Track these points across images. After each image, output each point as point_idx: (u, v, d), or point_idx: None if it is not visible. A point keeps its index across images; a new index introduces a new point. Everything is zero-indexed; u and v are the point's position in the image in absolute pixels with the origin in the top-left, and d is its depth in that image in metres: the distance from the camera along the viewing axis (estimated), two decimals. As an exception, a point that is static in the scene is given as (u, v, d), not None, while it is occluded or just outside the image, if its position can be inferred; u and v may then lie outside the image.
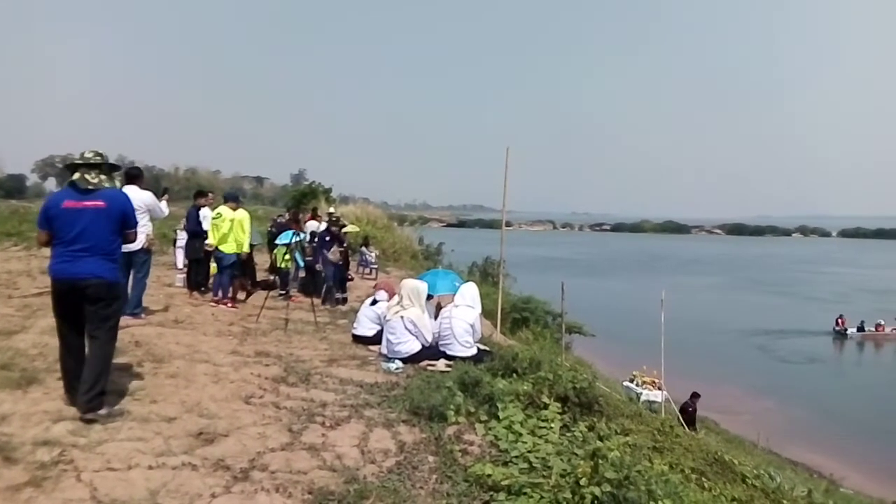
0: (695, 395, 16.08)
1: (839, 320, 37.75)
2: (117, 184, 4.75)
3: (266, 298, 9.00)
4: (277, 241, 12.22)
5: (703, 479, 5.53)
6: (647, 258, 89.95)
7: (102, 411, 4.06)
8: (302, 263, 11.45)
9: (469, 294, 7.34)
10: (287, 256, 10.97)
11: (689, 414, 15.45)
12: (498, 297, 13.54)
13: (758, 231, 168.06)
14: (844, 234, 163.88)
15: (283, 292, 10.68)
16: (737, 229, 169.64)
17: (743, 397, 22.21)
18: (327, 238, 11.17)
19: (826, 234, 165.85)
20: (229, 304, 9.15)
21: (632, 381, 17.90)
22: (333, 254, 10.90)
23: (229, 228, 9.15)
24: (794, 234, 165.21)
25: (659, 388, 16.51)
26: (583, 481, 3.12)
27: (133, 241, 4.78)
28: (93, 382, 4.03)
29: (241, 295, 10.14)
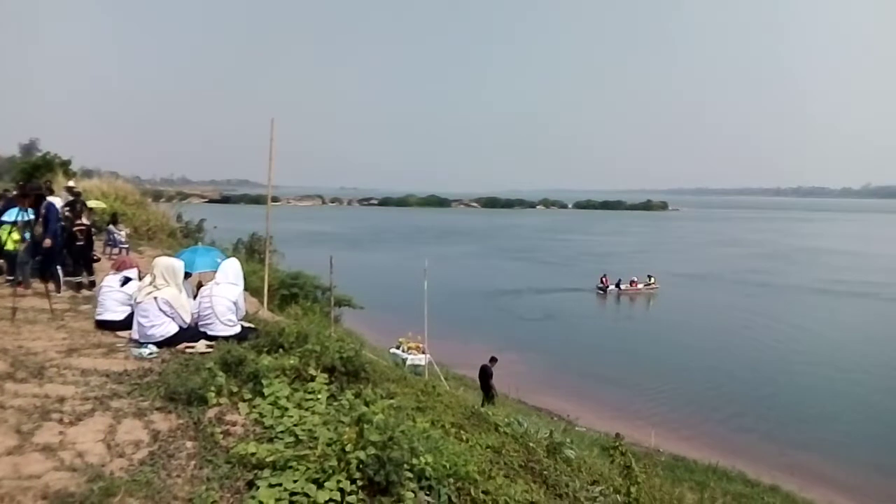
0: (493, 360, 16.99)
1: (603, 279, 43.87)
2: None
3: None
4: (3, 219, 10.46)
5: (462, 431, 5.96)
6: (412, 230, 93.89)
7: None
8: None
9: (231, 271, 7.00)
10: (15, 237, 9.43)
11: (490, 377, 16.40)
12: (264, 273, 13.13)
13: (508, 204, 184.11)
14: (578, 205, 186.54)
15: (11, 278, 9.18)
16: (490, 202, 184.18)
17: (491, 352, 24.29)
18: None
19: (564, 206, 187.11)
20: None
21: (398, 347, 18.66)
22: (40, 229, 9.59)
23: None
24: (538, 206, 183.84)
25: (423, 352, 17.42)
26: (348, 447, 3.18)
27: None
28: None
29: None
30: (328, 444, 3.37)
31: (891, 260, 63.60)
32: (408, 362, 17.11)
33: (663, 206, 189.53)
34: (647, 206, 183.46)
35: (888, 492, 15.00)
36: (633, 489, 5.31)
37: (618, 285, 43.43)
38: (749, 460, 15.82)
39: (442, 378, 15.25)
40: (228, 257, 8.18)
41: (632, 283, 43.87)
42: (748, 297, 42.73)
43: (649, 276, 44.75)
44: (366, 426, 3.31)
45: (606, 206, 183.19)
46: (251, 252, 27.03)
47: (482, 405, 14.48)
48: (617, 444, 5.83)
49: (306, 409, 4.17)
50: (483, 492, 3.86)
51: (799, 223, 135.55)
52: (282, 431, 3.78)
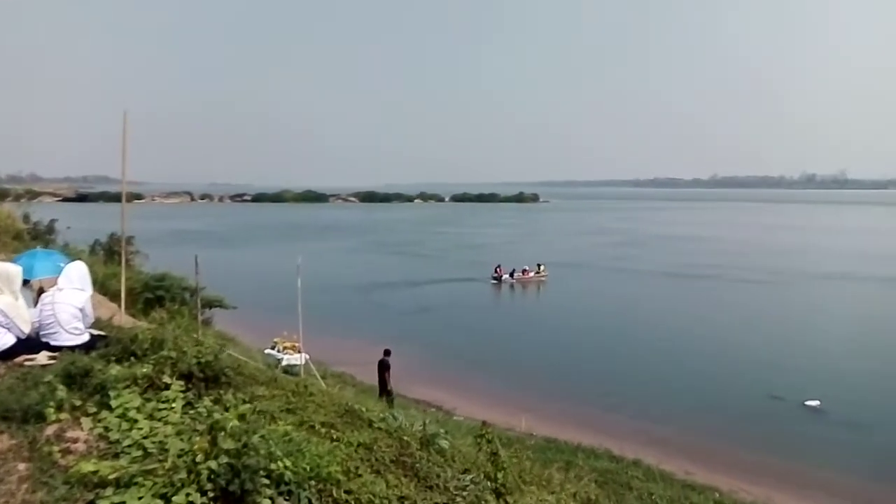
0: (387, 352, 16.72)
1: (497, 269, 45.16)
2: None
3: None
4: None
5: (333, 430, 5.88)
6: (287, 227, 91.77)
7: None
8: None
9: (76, 275, 6.46)
10: None
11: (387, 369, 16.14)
12: (122, 275, 12.26)
13: (386, 198, 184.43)
14: (455, 198, 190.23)
15: None
16: (369, 196, 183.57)
17: (371, 347, 24.24)
18: None
19: (441, 200, 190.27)
20: None
21: (273, 347, 18.19)
22: None
23: None
24: (416, 200, 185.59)
25: (299, 352, 17.06)
26: (199, 458, 3.03)
27: None
28: None
29: None
30: (179, 456, 3.19)
31: (730, 244, 70.29)
32: (283, 362, 16.72)
33: (535, 198, 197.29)
34: (519, 198, 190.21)
35: (736, 459, 16.49)
36: (499, 475, 5.47)
37: (511, 274, 44.90)
38: (615, 438, 16.79)
39: (318, 377, 14.98)
40: (74, 260, 7.56)
41: (524, 271, 45.59)
42: (616, 283, 45.53)
43: (539, 265, 46.72)
44: (219, 434, 3.17)
45: (481, 198, 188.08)
46: (110, 254, 25.30)
47: (382, 400, 14.47)
48: (483, 432, 5.99)
49: (158, 420, 3.93)
50: (346, 491, 3.82)
51: (655, 212, 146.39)
52: (129, 445, 3.54)
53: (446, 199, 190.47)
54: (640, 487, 12.52)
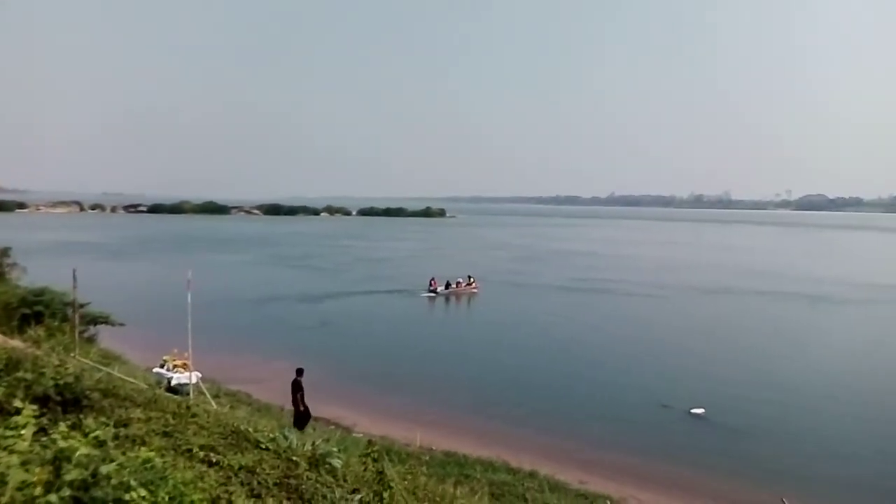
0: (299, 371, 15.50)
1: (432, 282, 45.50)
2: None
3: None
4: None
5: (212, 453, 5.58)
6: (183, 239, 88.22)
7: None
8: None
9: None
10: None
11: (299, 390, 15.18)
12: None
13: (291, 211, 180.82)
14: (362, 212, 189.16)
15: None
16: (273, 209, 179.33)
17: (270, 364, 23.51)
18: None
19: (348, 213, 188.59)
20: None
21: (162, 366, 17.26)
22: None
23: None
24: (322, 214, 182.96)
25: (190, 370, 16.27)
26: (37, 491, 2.76)
27: None
28: None
29: None
30: (20, 489, 2.90)
31: (625, 259, 73.91)
32: (172, 382, 15.89)
33: (441, 213, 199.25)
34: (426, 213, 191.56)
35: (627, 466, 17.06)
36: (385, 494, 5.37)
37: (447, 286, 45.42)
38: (513, 449, 16.95)
39: (209, 396, 14.34)
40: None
41: (457, 283, 46.09)
42: (516, 296, 46.52)
43: (469, 277, 47.43)
44: (64, 464, 2.90)
45: (389, 212, 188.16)
46: (-17, 267, 23.52)
47: (294, 424, 13.77)
48: (369, 450, 5.87)
49: (3, 449, 3.57)
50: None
51: (555, 228, 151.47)
52: (-37, 479, 3.18)
53: (353, 212, 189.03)
54: (535, 499, 12.71)
